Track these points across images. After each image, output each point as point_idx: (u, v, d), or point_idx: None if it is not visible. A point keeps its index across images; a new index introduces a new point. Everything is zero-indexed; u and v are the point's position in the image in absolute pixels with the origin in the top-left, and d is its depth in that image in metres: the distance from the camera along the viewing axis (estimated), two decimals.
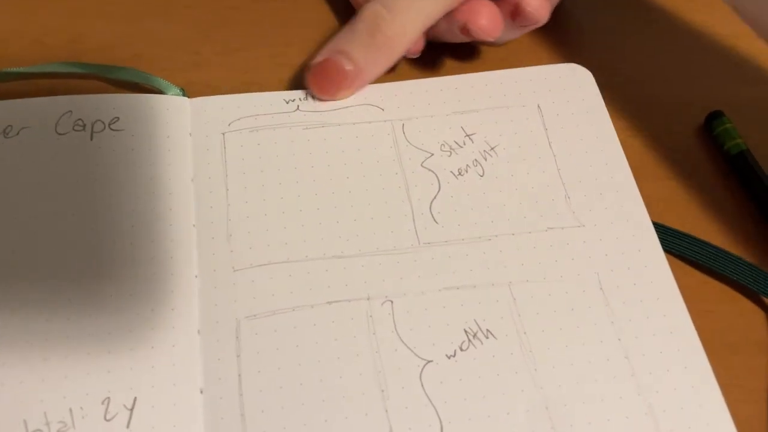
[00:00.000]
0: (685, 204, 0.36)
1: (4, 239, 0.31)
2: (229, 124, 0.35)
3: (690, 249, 0.34)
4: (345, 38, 0.35)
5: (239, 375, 0.29)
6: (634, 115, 0.39)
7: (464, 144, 0.35)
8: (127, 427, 0.27)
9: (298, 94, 0.36)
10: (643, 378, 0.30)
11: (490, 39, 0.35)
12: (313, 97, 0.36)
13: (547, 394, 0.29)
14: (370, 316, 0.30)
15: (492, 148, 0.36)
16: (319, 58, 0.36)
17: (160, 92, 0.37)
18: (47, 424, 0.27)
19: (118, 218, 0.32)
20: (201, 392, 0.28)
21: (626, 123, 0.38)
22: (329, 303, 0.31)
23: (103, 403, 0.28)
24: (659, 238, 0.33)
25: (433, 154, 0.35)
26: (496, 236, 0.33)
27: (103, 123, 0.35)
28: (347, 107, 0.36)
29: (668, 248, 0.34)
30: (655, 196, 0.35)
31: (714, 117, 0.38)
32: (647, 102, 0.39)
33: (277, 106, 0.36)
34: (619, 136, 0.36)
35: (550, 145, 0.36)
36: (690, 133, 0.39)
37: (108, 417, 0.27)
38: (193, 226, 0.32)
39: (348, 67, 0.35)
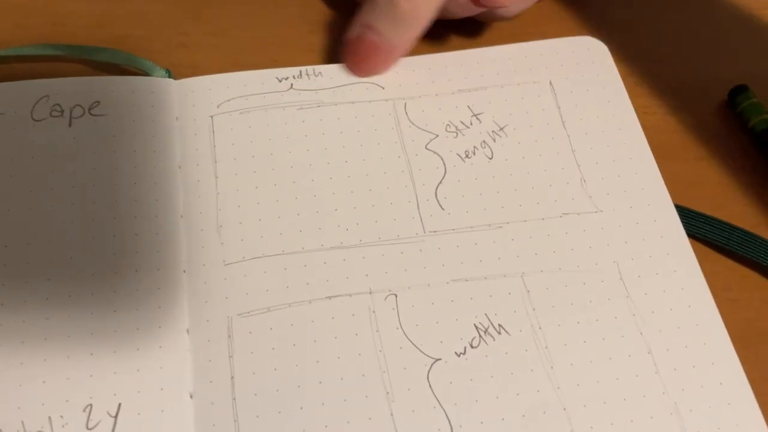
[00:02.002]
0: (709, 185, 0.34)
1: None
2: (217, 106, 0.33)
3: (715, 233, 0.32)
4: (369, 12, 0.33)
5: (232, 377, 0.27)
6: (652, 92, 0.36)
7: (471, 124, 0.33)
8: None
9: (292, 71, 0.34)
10: (668, 375, 0.27)
11: (502, 5, 0.33)
12: (309, 75, 0.34)
13: (564, 394, 0.27)
14: (373, 312, 0.28)
15: (501, 129, 0.33)
16: (351, 35, 0.33)
17: (145, 74, 0.34)
18: None
19: (99, 210, 0.30)
20: (191, 397, 0.26)
21: (645, 100, 0.36)
22: (328, 298, 0.28)
23: (84, 410, 0.26)
24: (682, 222, 0.31)
25: (437, 136, 0.33)
26: (507, 223, 0.31)
27: (83, 108, 0.32)
28: (345, 85, 0.34)
29: (692, 233, 0.31)
30: (677, 177, 0.33)
31: (738, 92, 0.36)
32: (667, 77, 0.37)
33: (269, 85, 0.33)
34: (637, 114, 0.34)
35: (563, 124, 0.33)
36: (712, 110, 0.36)
37: (90, 425, 0.25)
38: (181, 217, 0.30)
39: (379, 41, 0.32)
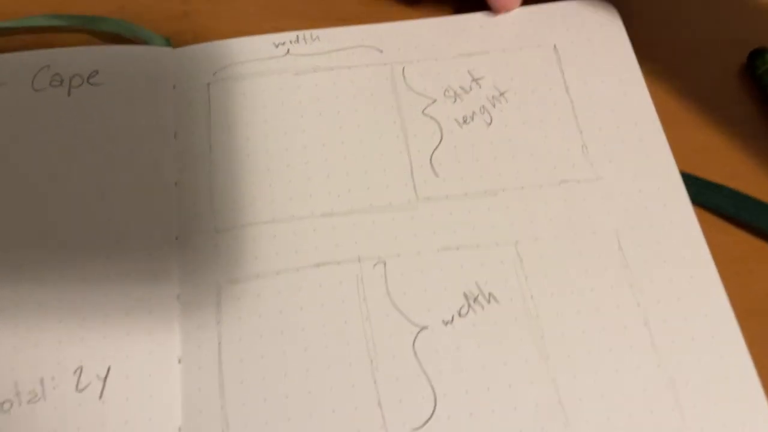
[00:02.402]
0: (723, 153, 0.32)
1: None
2: (214, 74, 0.33)
3: (726, 202, 0.30)
4: None
5: (219, 343, 0.27)
6: (664, 55, 0.34)
7: (471, 89, 0.32)
8: (100, 398, 0.26)
9: (289, 36, 0.33)
10: (665, 348, 0.26)
11: None
12: (306, 40, 0.33)
13: (554, 365, 0.26)
14: (361, 280, 0.28)
15: (501, 94, 0.32)
16: None
17: (145, 43, 0.34)
18: (17, 394, 0.26)
19: (95, 178, 0.30)
20: (179, 361, 0.27)
21: (655, 64, 0.34)
22: (317, 265, 0.28)
23: (75, 372, 0.26)
24: (691, 190, 0.30)
25: (435, 101, 0.32)
26: (503, 190, 0.30)
27: (81, 77, 0.32)
28: (343, 49, 0.33)
29: (701, 202, 0.30)
30: (688, 144, 0.31)
31: (757, 54, 0.34)
32: (680, 40, 0.35)
33: (265, 51, 0.33)
34: (646, 80, 0.32)
35: (566, 89, 0.32)
36: (729, 75, 0.34)
37: (80, 387, 0.26)
38: (175, 185, 0.30)
39: None
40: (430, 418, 0.25)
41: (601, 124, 0.31)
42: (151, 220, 0.29)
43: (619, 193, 0.29)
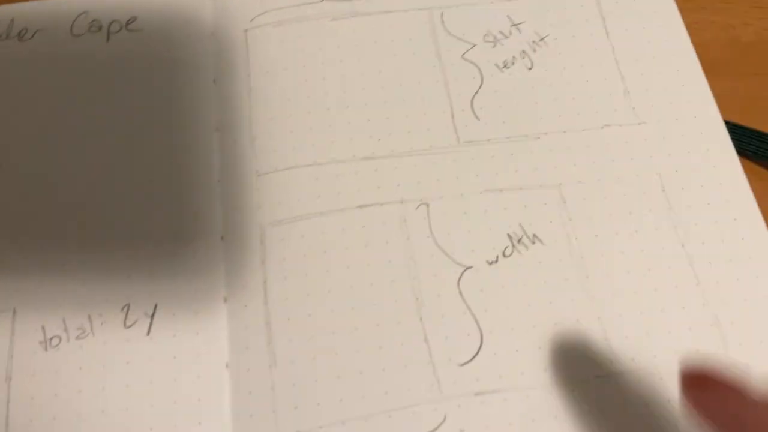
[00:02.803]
0: (765, 102, 0.32)
1: (22, 144, 0.29)
2: (251, 20, 0.32)
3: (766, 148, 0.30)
4: None
5: (264, 282, 0.27)
6: (707, 5, 0.34)
7: (510, 34, 0.32)
8: (148, 334, 0.26)
9: None
10: (709, 287, 0.26)
11: None
12: None
13: (600, 304, 0.26)
14: (404, 221, 0.28)
15: (542, 39, 0.32)
16: None
17: None
18: (65, 330, 0.26)
19: (135, 124, 0.30)
20: (225, 300, 0.27)
21: (698, 15, 0.34)
22: (360, 207, 0.28)
23: (122, 310, 0.26)
24: (733, 139, 0.29)
25: (475, 45, 0.31)
26: (546, 134, 0.30)
27: (120, 23, 0.32)
28: None
29: (743, 150, 0.30)
30: (731, 94, 0.31)
31: None
32: None
33: None
34: (690, 29, 0.32)
35: (607, 34, 0.32)
36: None
37: (128, 324, 0.26)
38: (216, 130, 0.30)
39: None
40: (476, 355, 0.26)
41: (643, 69, 0.31)
42: (193, 164, 0.29)
43: (662, 137, 0.29)
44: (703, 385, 0.20)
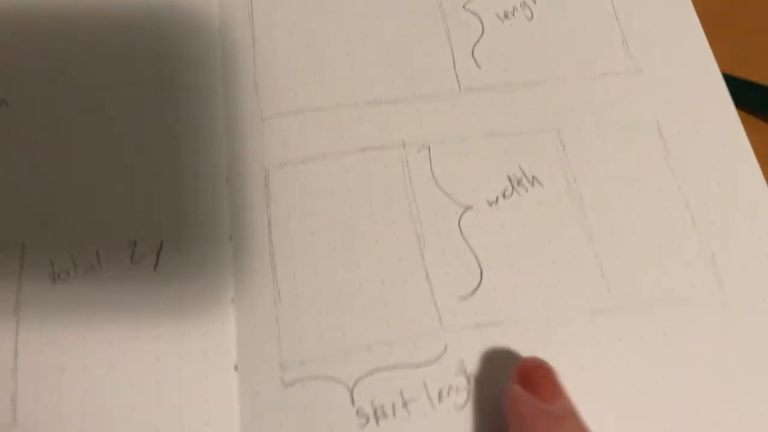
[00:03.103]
0: (764, 58, 0.32)
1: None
2: None
3: (764, 101, 0.31)
4: None
5: (269, 222, 0.27)
6: None
7: None
8: (155, 269, 0.26)
9: None
10: (705, 228, 0.27)
11: None
12: None
13: (597, 243, 0.27)
14: (406, 163, 0.28)
15: None
16: None
17: None
18: (74, 265, 0.26)
19: (138, 66, 0.30)
20: (230, 239, 0.27)
21: None
22: (362, 150, 0.29)
23: (129, 246, 0.27)
24: (729, 91, 0.30)
25: None
26: (545, 81, 0.30)
27: None
28: None
29: (739, 102, 0.30)
30: (729, 49, 0.31)
31: None
32: None
33: None
34: None
35: None
36: None
37: (135, 259, 0.27)
38: (220, 78, 0.31)
39: None
40: (476, 289, 0.26)
41: (641, 20, 0.31)
42: (198, 107, 0.30)
43: (660, 85, 0.30)
44: (526, 380, 0.23)
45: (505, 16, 0.32)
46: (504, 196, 0.28)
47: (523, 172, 0.28)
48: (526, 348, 0.25)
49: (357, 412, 0.24)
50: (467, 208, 0.28)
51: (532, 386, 0.22)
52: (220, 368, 0.25)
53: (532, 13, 0.32)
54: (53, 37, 0.31)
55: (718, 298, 0.26)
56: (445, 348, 0.25)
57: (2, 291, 0.26)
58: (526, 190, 0.28)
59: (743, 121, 0.30)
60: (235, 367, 0.25)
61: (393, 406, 0.24)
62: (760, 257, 0.26)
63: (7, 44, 0.30)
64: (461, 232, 0.27)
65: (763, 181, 0.28)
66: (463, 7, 0.32)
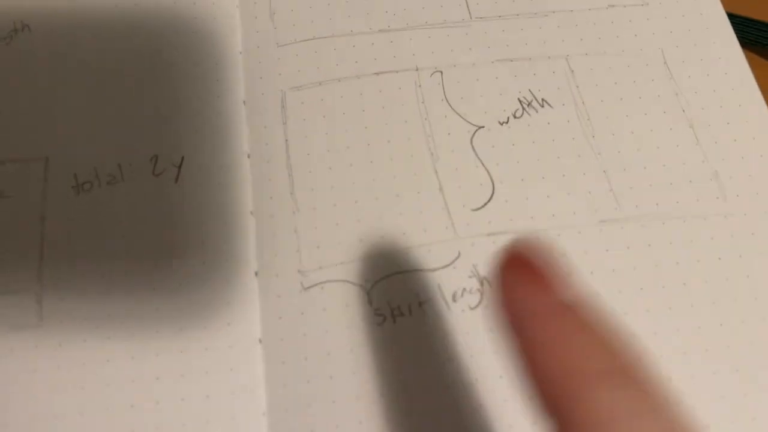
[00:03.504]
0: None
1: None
2: None
3: (759, 33, 0.32)
4: None
5: (286, 140, 0.28)
6: None
7: None
8: (176, 182, 0.27)
9: None
10: (709, 146, 0.28)
11: None
12: None
13: (605, 159, 0.28)
14: (419, 86, 0.29)
15: None
16: None
17: None
18: (96, 176, 0.27)
19: (159, 5, 0.31)
20: (248, 156, 0.28)
21: None
22: (376, 74, 0.30)
23: (151, 160, 0.28)
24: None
25: None
26: (554, 12, 0.31)
27: None
28: None
29: (742, 39, 0.31)
30: None
31: None
32: None
33: None
34: None
35: None
36: None
37: (156, 172, 0.27)
38: (237, 7, 0.31)
39: None
40: (488, 201, 0.27)
41: None
42: (215, 35, 0.30)
43: (664, 16, 0.31)
44: (520, 266, 0.18)
45: None
46: (515, 116, 0.29)
47: (533, 95, 0.29)
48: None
49: (375, 311, 0.25)
50: (479, 127, 0.28)
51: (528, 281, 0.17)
52: (241, 276, 0.26)
53: None
54: None
55: (721, 209, 0.27)
56: (459, 254, 0.26)
57: (27, 202, 0.27)
58: (536, 111, 0.29)
59: (749, 59, 0.30)
60: (256, 273, 0.26)
61: (409, 307, 0.25)
62: (760, 173, 0.27)
63: None
64: (473, 149, 0.28)
65: (763, 103, 0.29)
66: None
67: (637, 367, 0.15)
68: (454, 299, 0.25)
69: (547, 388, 0.16)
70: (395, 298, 0.25)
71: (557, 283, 0.17)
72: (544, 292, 0.17)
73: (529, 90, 0.29)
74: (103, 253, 0.26)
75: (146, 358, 0.24)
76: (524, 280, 0.17)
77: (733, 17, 0.31)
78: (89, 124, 0.28)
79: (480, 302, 0.25)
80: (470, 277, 0.25)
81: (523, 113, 0.29)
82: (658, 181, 0.27)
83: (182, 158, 0.28)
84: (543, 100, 0.29)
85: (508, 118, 0.29)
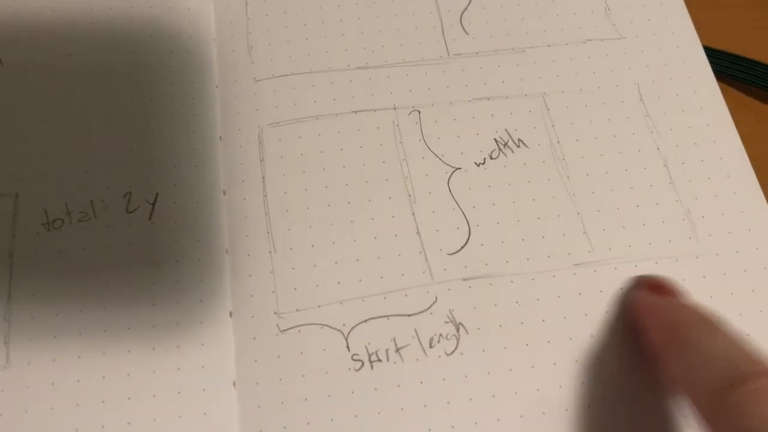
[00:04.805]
0: (739, 31, 0.34)
1: None
2: None
3: (741, 70, 0.32)
4: None
5: (263, 178, 0.28)
6: None
7: None
8: (150, 219, 0.27)
9: None
10: (682, 185, 0.28)
11: None
12: None
13: (579, 200, 0.28)
14: (397, 125, 0.29)
15: None
16: None
17: None
18: (68, 213, 0.27)
19: (135, 28, 0.31)
20: (224, 193, 0.28)
21: None
22: (354, 112, 0.29)
23: (124, 197, 0.27)
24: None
25: None
26: (531, 48, 0.31)
27: None
28: None
29: (718, 71, 0.31)
30: (707, 24, 0.32)
31: None
32: None
33: None
34: None
35: None
36: None
37: (130, 209, 0.27)
38: (213, 40, 0.31)
39: None
40: (464, 245, 0.27)
41: None
42: (191, 68, 0.30)
43: (640, 50, 0.31)
44: (655, 289, 0.25)
45: None
46: (491, 157, 0.29)
47: (510, 135, 0.29)
48: (511, 300, 0.26)
49: (352, 356, 0.25)
50: (456, 168, 0.28)
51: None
52: (215, 316, 0.26)
53: None
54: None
55: (693, 250, 0.27)
56: (435, 299, 0.26)
57: None
58: (512, 152, 0.29)
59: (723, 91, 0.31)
60: (230, 314, 0.26)
61: (387, 352, 0.25)
62: (733, 212, 0.28)
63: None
64: (450, 191, 0.28)
65: (738, 140, 0.29)
66: None
67: None
68: (430, 345, 0.25)
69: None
70: (373, 343, 0.25)
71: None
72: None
73: (506, 129, 0.29)
74: (73, 293, 0.26)
75: (116, 401, 0.24)
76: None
77: (708, 50, 0.32)
78: (61, 159, 0.28)
79: (456, 348, 0.25)
80: (446, 322, 0.25)
81: (499, 154, 0.29)
82: (631, 222, 0.28)
83: (156, 195, 0.27)
84: (519, 140, 0.29)
85: (485, 159, 0.29)
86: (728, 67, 0.33)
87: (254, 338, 0.25)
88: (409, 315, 0.26)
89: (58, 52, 0.30)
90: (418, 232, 0.27)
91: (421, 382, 0.25)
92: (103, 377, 0.24)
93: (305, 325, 0.25)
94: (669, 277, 0.26)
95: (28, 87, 0.29)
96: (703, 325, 0.22)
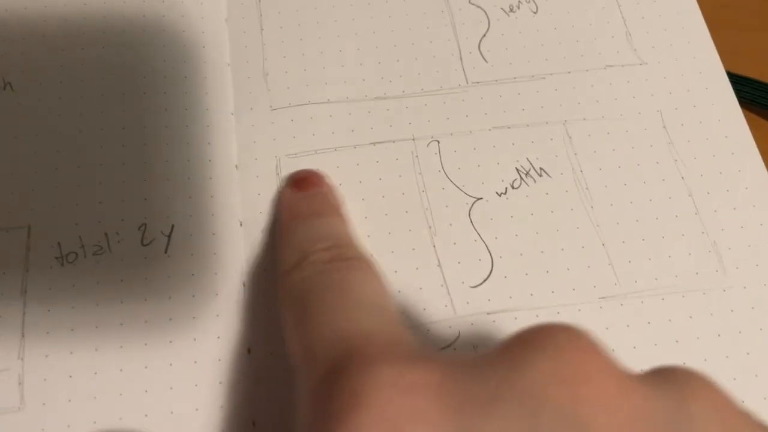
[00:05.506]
0: (764, 56, 0.33)
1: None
2: None
3: (765, 97, 0.32)
4: None
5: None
6: None
7: None
8: (165, 252, 0.26)
9: None
10: (708, 216, 0.28)
11: None
12: None
13: (604, 231, 0.27)
14: (416, 156, 0.29)
15: None
16: None
17: None
18: (82, 247, 0.26)
19: (148, 53, 0.30)
20: (240, 225, 0.27)
21: None
22: (373, 144, 0.29)
23: (139, 229, 0.27)
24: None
25: None
26: (551, 75, 0.31)
27: None
28: None
29: (741, 98, 0.31)
30: (731, 47, 0.32)
31: None
32: None
33: None
34: None
35: None
36: None
37: (145, 242, 0.27)
38: (228, 65, 0.31)
39: None
40: (487, 278, 0.26)
41: (644, 12, 0.32)
42: (207, 94, 0.30)
43: (662, 76, 0.31)
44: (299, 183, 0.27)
45: (511, 9, 0.32)
46: (513, 187, 0.28)
47: (531, 164, 0.29)
48: None
49: None
50: (477, 199, 0.28)
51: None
52: (232, 352, 0.25)
53: (536, 6, 0.32)
54: (55, 23, 0.31)
55: (720, 283, 0.26)
56: (459, 334, 0.25)
57: (8, 273, 0.26)
58: (534, 181, 0.28)
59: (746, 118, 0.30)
60: (249, 351, 0.25)
61: None
62: (760, 244, 0.27)
63: (11, 28, 0.30)
64: (471, 222, 0.27)
65: (764, 170, 0.28)
66: (469, 1, 0.32)
67: None
68: None
69: None
70: None
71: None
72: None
73: (527, 158, 0.29)
74: (89, 330, 0.25)
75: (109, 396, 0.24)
76: None
77: (731, 76, 0.31)
78: (74, 190, 0.28)
79: None
80: None
81: (521, 183, 0.28)
82: (657, 254, 0.27)
83: (172, 226, 0.27)
84: (541, 168, 0.29)
85: (506, 188, 0.28)
86: (751, 93, 0.32)
87: (272, 378, 0.25)
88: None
89: (69, 77, 0.30)
90: (439, 265, 0.27)
91: None
92: (100, 375, 0.24)
93: None
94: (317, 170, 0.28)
95: (40, 114, 0.29)
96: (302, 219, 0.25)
